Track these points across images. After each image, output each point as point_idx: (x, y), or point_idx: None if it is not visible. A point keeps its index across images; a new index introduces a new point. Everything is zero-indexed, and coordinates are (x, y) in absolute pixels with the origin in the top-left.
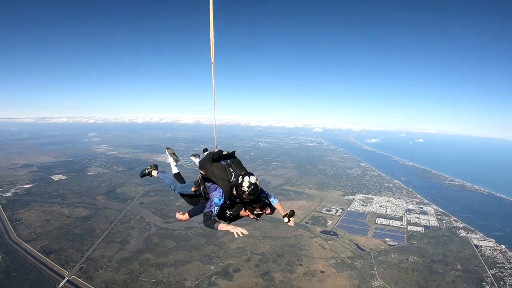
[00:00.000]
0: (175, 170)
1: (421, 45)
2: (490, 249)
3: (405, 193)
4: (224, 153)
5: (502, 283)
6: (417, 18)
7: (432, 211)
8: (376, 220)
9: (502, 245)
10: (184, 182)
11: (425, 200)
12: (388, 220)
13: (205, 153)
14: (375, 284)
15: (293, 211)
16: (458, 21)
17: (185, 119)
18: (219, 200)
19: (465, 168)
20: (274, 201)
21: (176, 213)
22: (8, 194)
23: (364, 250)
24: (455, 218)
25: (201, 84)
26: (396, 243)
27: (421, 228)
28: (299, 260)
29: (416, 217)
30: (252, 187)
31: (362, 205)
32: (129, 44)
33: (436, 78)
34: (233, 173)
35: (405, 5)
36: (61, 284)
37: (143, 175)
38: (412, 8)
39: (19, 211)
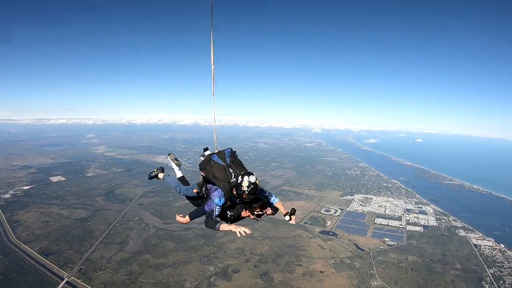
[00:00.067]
0: (179, 174)
1: (420, 45)
2: (489, 249)
3: (404, 193)
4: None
5: (501, 282)
6: (416, 18)
7: (431, 210)
8: (375, 220)
9: (501, 244)
10: (189, 185)
11: (424, 200)
12: (387, 220)
13: (205, 152)
14: (374, 284)
15: (294, 209)
16: (457, 21)
17: (183, 120)
18: (220, 200)
19: (464, 168)
20: (275, 200)
21: (177, 216)
22: (7, 195)
23: (363, 250)
24: (454, 218)
25: (199, 85)
26: (395, 243)
27: (420, 227)
28: (298, 261)
29: (415, 217)
30: (252, 186)
31: (361, 205)
32: (127, 45)
33: (435, 78)
34: (233, 174)
35: (403, 5)
36: (60, 286)
37: (150, 177)
38: (411, 8)
39: (18, 212)
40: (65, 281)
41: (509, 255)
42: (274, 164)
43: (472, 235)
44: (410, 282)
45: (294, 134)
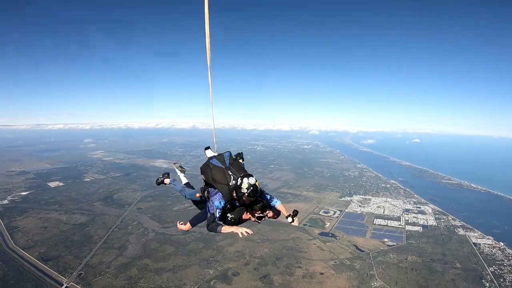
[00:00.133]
0: (184, 180)
1: (416, 45)
2: (489, 247)
3: (402, 193)
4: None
5: (501, 280)
6: (414, 18)
7: (430, 210)
8: (374, 220)
9: (500, 242)
10: (194, 189)
11: (422, 200)
12: (386, 221)
13: (206, 151)
14: (374, 284)
15: (296, 210)
16: (457, 21)
17: (181, 123)
18: (220, 203)
19: (462, 167)
20: (277, 203)
21: (177, 224)
22: (5, 201)
23: (362, 251)
24: (453, 217)
25: (197, 88)
26: (394, 243)
27: (419, 227)
28: (298, 263)
29: (414, 217)
30: (252, 188)
31: (359, 206)
32: (123, 49)
33: (430, 78)
34: (232, 176)
35: (394, 5)
36: None
37: (158, 183)
38: (409, 8)
39: (16, 218)
40: (64, 286)
41: (508, 253)
42: (272, 166)
43: (471, 233)
44: (411, 282)
45: (291, 136)
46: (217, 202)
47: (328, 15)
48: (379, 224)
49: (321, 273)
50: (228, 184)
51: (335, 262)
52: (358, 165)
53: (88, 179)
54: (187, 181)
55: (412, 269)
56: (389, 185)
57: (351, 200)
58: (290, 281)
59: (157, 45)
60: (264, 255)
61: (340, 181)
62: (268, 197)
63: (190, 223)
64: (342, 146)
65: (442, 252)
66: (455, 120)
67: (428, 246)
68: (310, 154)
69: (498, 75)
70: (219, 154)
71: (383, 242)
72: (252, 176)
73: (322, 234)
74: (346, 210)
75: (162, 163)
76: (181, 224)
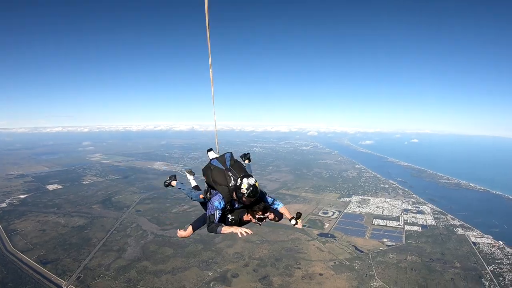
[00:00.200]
0: (193, 183)
1: (415, 45)
2: (488, 246)
3: (401, 193)
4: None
5: (501, 279)
6: (414, 18)
7: (429, 210)
8: (373, 221)
9: (499, 241)
10: (200, 191)
11: (421, 200)
12: (385, 221)
13: (209, 153)
14: (374, 284)
15: (300, 213)
16: (457, 21)
17: (179, 126)
18: (219, 203)
19: (460, 167)
20: (280, 205)
21: (178, 231)
22: (3, 204)
23: (362, 252)
24: (452, 216)
25: (195, 90)
26: (394, 243)
27: (418, 227)
28: (297, 264)
29: (413, 217)
30: (251, 189)
31: (358, 206)
32: (122, 51)
33: (429, 78)
34: (232, 177)
35: (398, 5)
36: None
37: (166, 185)
38: (409, 8)
39: (15, 221)
40: None
41: (508, 252)
42: (271, 168)
43: (470, 233)
44: (410, 282)
45: (290, 138)
46: (216, 202)
47: (328, 15)
48: (378, 225)
49: (321, 274)
50: (228, 185)
51: (335, 262)
52: (357, 166)
53: (86, 182)
54: (196, 184)
55: (412, 269)
56: (387, 186)
57: (350, 200)
58: (289, 282)
59: (155, 47)
60: (263, 256)
61: (338, 182)
62: (271, 199)
63: (192, 227)
64: (341, 147)
65: (441, 251)
66: (454, 120)
67: (427, 246)
68: (309, 155)
69: (497, 75)
70: (220, 156)
71: (382, 242)
72: (252, 177)
73: (321, 235)
74: (345, 211)
75: (160, 166)
76: (182, 231)
